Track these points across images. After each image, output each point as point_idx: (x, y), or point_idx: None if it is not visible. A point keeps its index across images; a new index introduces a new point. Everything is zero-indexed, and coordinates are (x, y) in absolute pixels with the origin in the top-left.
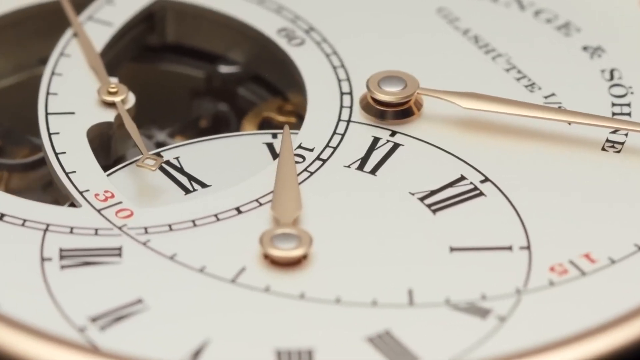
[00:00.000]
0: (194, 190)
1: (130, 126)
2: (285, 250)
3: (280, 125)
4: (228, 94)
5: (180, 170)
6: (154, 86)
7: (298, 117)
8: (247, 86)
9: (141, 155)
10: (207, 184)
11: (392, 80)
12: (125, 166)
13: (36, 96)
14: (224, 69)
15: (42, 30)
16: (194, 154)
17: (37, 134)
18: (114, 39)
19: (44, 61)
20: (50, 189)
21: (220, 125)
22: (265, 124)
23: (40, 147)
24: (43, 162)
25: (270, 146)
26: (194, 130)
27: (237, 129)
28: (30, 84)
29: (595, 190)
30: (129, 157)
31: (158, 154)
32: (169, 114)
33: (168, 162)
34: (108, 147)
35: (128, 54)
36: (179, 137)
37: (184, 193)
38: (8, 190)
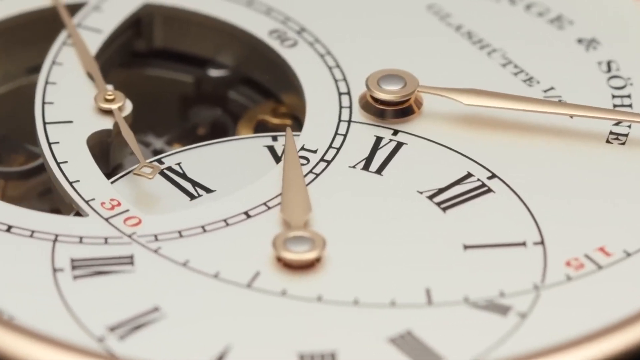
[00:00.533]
0: (199, 195)
1: (127, 134)
2: (299, 253)
3: (275, 128)
4: (219, 98)
5: (183, 176)
6: (143, 92)
7: (293, 119)
8: (237, 89)
9: (139, 164)
10: (212, 189)
11: (391, 79)
12: (127, 174)
13: (26, 105)
14: (214, 72)
15: (29, 39)
16: (195, 159)
17: (30, 142)
18: (103, 46)
19: (32, 70)
20: (46, 197)
21: (217, 131)
22: (260, 127)
23: (36, 155)
24: (39, 170)
25: (271, 149)
26: (190, 137)
27: (233, 134)
28: (19, 94)
29: (603, 182)
30: (127, 165)
31: (159, 161)
32: (160, 119)
33: (170, 169)
34: (108, 155)
35: (116, 60)
36: (177, 145)
37: (189, 199)
38: (4, 198)
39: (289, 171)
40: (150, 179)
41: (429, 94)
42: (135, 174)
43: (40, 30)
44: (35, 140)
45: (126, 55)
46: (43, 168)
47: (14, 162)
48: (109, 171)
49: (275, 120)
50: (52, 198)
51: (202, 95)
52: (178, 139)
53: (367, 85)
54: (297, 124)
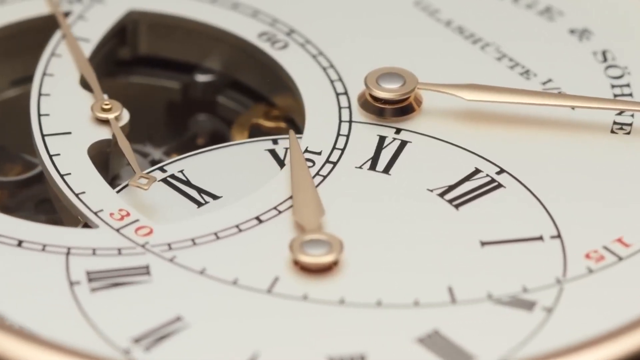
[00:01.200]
0: (206, 202)
1: (124, 144)
2: (317, 256)
3: (269, 132)
4: (208, 103)
5: (187, 183)
6: (131, 100)
7: (287, 121)
8: (226, 94)
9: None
10: (218, 195)
11: (390, 77)
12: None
13: (13, 117)
14: (201, 77)
15: (12, 51)
16: (198, 166)
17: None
18: (92, 55)
19: (16, 83)
20: (43, 207)
21: (212, 137)
22: (254, 132)
23: (32, 165)
24: (36, 179)
25: (272, 152)
26: (187, 145)
27: (228, 139)
28: (6, 106)
29: (612, 173)
30: (124, 175)
31: (161, 169)
32: (151, 127)
33: (173, 176)
34: (107, 165)
35: (103, 69)
36: (174, 155)
37: (197, 206)
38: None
39: (297, 174)
40: (145, 189)
41: (428, 91)
42: (131, 184)
43: (23, 42)
44: (27, 151)
45: (111, 64)
46: (38, 178)
47: (9, 172)
48: (109, 181)
49: (269, 124)
50: (47, 209)
51: (191, 101)
52: (174, 148)
53: (366, 84)
54: (292, 126)
